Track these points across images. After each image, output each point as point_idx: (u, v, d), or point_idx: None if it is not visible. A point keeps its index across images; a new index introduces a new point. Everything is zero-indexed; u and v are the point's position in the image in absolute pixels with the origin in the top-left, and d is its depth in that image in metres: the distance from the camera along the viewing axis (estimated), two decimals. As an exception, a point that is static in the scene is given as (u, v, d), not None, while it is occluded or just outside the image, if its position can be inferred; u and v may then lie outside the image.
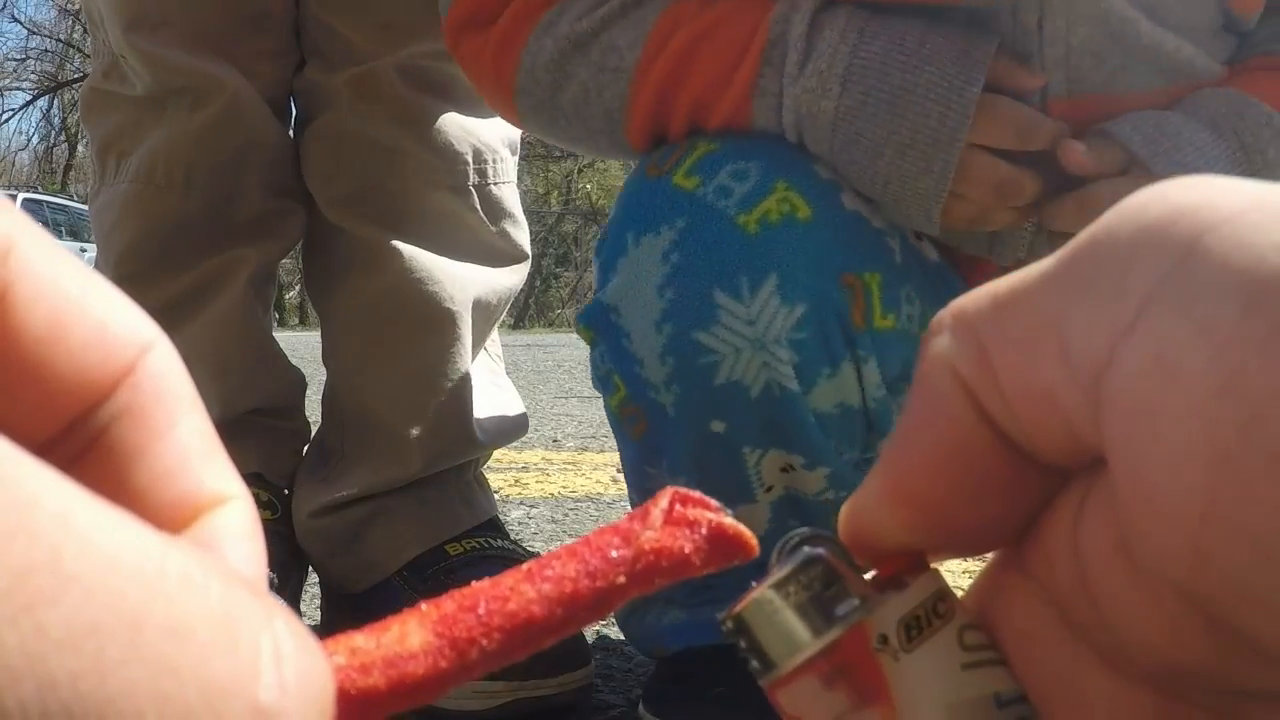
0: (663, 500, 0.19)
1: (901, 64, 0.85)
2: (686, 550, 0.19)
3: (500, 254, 1.26)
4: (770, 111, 0.89)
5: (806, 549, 0.22)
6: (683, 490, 0.20)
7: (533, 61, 0.95)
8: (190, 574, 0.14)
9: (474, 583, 0.18)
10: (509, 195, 1.26)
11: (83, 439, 0.18)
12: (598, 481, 2.30)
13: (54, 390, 0.17)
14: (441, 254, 1.20)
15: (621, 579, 0.18)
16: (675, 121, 0.92)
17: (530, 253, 1.31)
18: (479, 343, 1.25)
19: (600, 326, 0.92)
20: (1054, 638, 0.22)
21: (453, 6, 0.99)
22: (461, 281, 1.20)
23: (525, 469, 2.46)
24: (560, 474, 2.39)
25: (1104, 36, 0.88)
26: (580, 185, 25.97)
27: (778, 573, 0.22)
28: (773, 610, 0.22)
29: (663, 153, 0.92)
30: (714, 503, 0.20)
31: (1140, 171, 0.85)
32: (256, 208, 1.20)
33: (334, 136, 1.20)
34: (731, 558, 0.19)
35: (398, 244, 1.18)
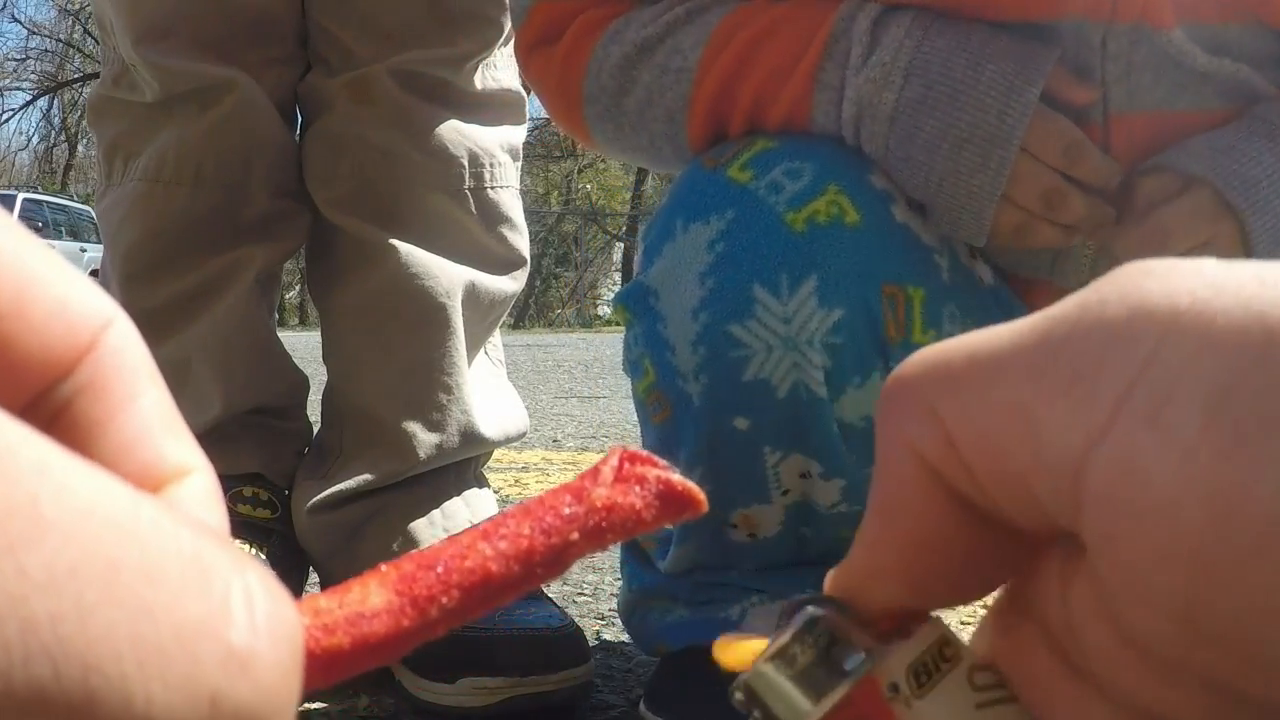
0: (612, 459, 0.20)
1: (965, 60, 0.86)
2: (637, 506, 0.19)
3: (497, 258, 1.26)
4: (830, 106, 0.89)
5: (809, 609, 0.23)
6: (631, 449, 0.20)
7: (599, 68, 0.97)
8: (162, 523, 0.14)
9: (432, 544, 0.18)
10: (507, 200, 1.26)
11: (46, 414, 0.18)
12: (598, 481, 2.30)
13: (17, 366, 0.17)
14: (439, 253, 1.21)
15: (575, 535, 0.19)
16: (735, 118, 0.93)
17: (529, 258, 1.31)
18: (476, 344, 1.25)
19: (638, 309, 0.92)
20: (1057, 676, 0.22)
21: (522, 29, 1.01)
22: (456, 279, 1.21)
23: (525, 469, 2.46)
24: (560, 474, 2.40)
25: (1164, 59, 0.89)
26: (580, 185, 25.99)
27: (781, 638, 0.22)
28: (780, 675, 0.22)
29: (721, 148, 0.93)
30: (662, 461, 0.20)
31: (1200, 187, 0.86)
32: (264, 208, 1.21)
33: (331, 138, 1.21)
34: (680, 512, 0.20)
35: (394, 241, 1.19)
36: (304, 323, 15.81)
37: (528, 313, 22.71)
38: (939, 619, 0.23)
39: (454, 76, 1.21)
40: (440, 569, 0.18)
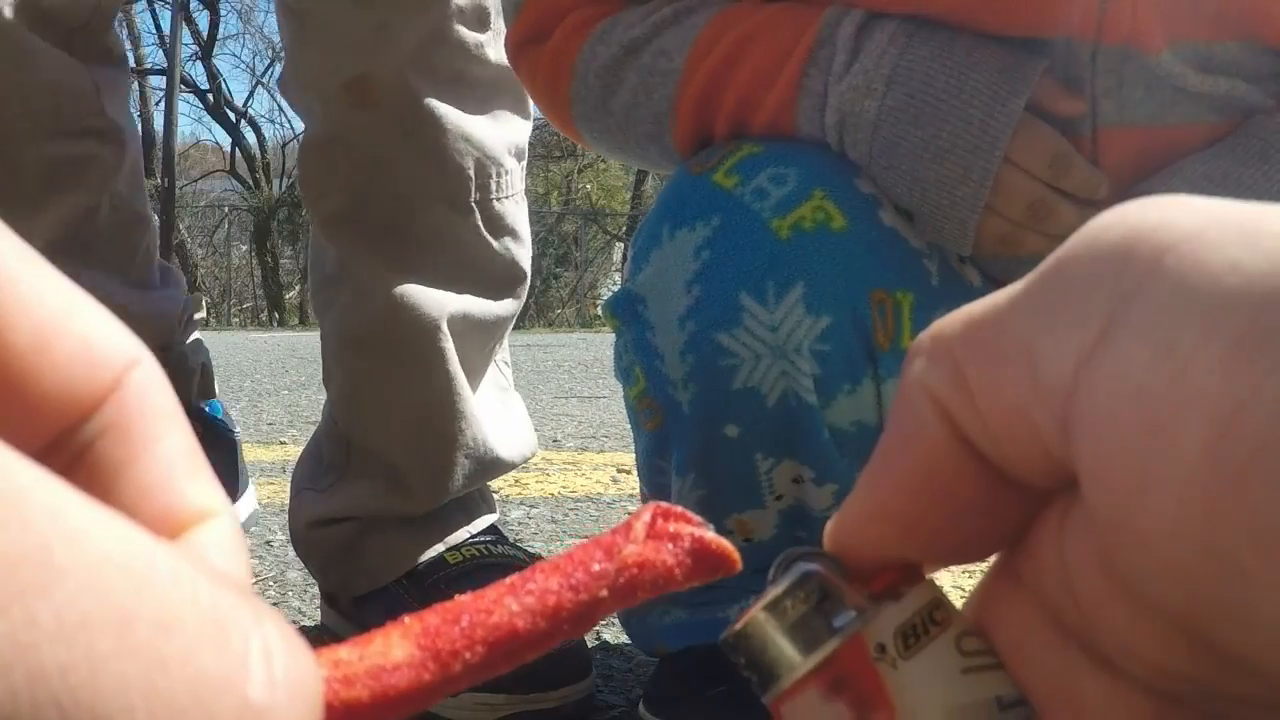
0: (645, 514, 0.20)
1: (948, 69, 0.85)
2: (669, 563, 0.19)
3: (498, 275, 1.20)
4: (814, 112, 0.89)
5: (801, 564, 0.23)
6: (664, 505, 0.20)
7: (586, 68, 0.96)
8: (179, 573, 0.14)
9: (458, 596, 0.18)
10: (512, 210, 1.20)
11: (68, 454, 0.18)
12: (598, 481, 2.30)
13: (39, 405, 0.17)
14: (435, 276, 1.14)
15: (604, 592, 0.18)
16: (719, 122, 0.92)
17: (529, 270, 1.25)
18: (480, 371, 1.20)
19: (627, 316, 0.92)
20: (1048, 643, 0.22)
21: (513, 25, 1.01)
22: (452, 312, 1.15)
23: (525, 469, 2.46)
24: (560, 474, 2.39)
25: (1154, 77, 0.88)
26: (580, 185, 25.97)
27: (774, 590, 0.22)
28: (771, 626, 0.22)
29: (707, 153, 0.92)
30: (696, 517, 0.20)
31: None
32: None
33: (328, 147, 1.15)
34: (714, 572, 0.20)
35: (388, 272, 1.13)
36: (304, 323, 15.84)
37: (528, 313, 22.69)
38: (932, 582, 0.23)
39: (467, 65, 1.13)
40: (465, 623, 0.17)
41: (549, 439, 2.99)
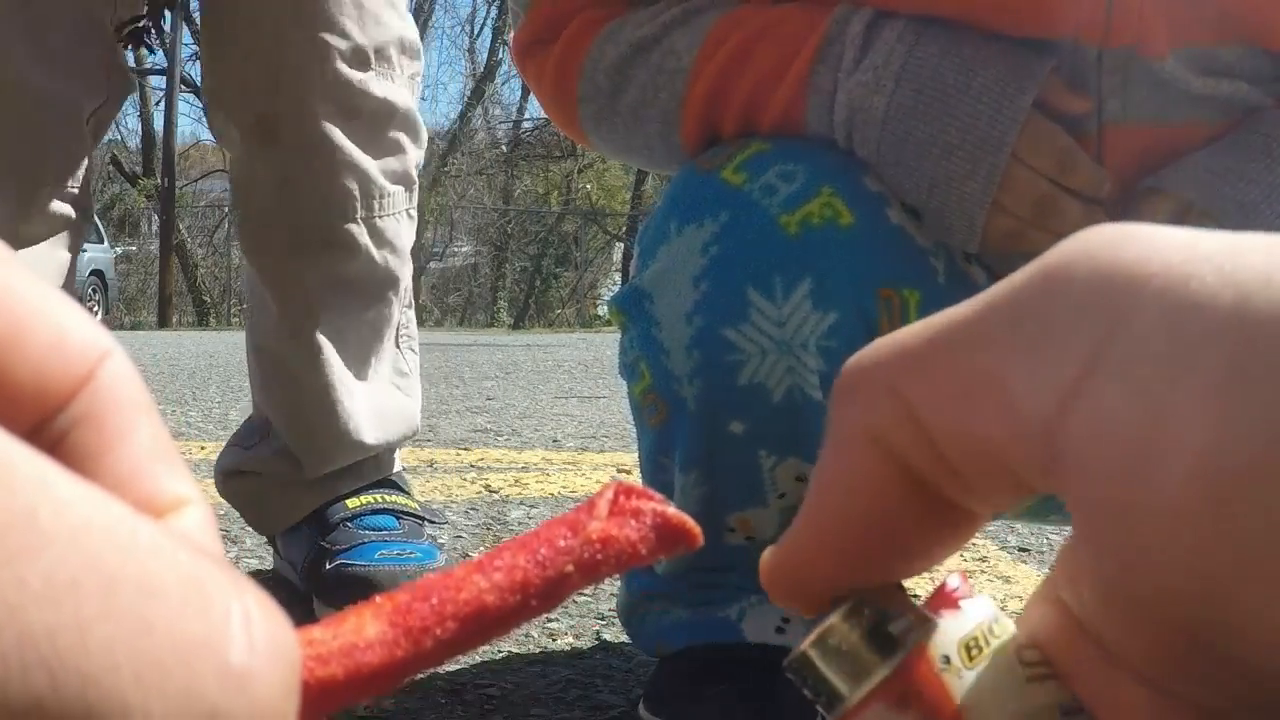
0: (608, 492, 0.20)
1: (956, 66, 0.86)
2: (633, 538, 0.19)
3: (378, 279, 1.40)
4: (823, 109, 0.89)
5: (857, 592, 0.23)
6: (626, 483, 0.20)
7: (594, 67, 0.97)
8: (160, 542, 0.14)
9: (428, 575, 0.19)
10: (393, 226, 1.41)
11: (43, 446, 0.18)
12: (598, 481, 2.30)
13: (14, 397, 0.17)
14: (325, 277, 1.35)
15: (570, 568, 0.19)
16: (728, 121, 0.93)
17: (405, 278, 1.46)
18: (364, 362, 1.41)
19: (633, 312, 0.92)
20: (1091, 657, 0.22)
21: (520, 28, 1.02)
22: (329, 322, 1.36)
23: (525, 469, 2.46)
24: (560, 474, 2.39)
25: (1158, 79, 0.89)
26: (580, 185, 25.97)
27: (832, 615, 0.23)
28: (836, 644, 0.23)
29: (715, 150, 0.93)
30: (658, 495, 0.20)
31: (1200, 213, 0.86)
32: None
33: (247, 172, 1.36)
34: (676, 546, 0.20)
35: (286, 288, 1.36)
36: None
37: (528, 313, 22.64)
38: (987, 596, 0.24)
39: (359, 99, 1.33)
40: (435, 600, 0.18)
41: (549, 439, 2.99)
